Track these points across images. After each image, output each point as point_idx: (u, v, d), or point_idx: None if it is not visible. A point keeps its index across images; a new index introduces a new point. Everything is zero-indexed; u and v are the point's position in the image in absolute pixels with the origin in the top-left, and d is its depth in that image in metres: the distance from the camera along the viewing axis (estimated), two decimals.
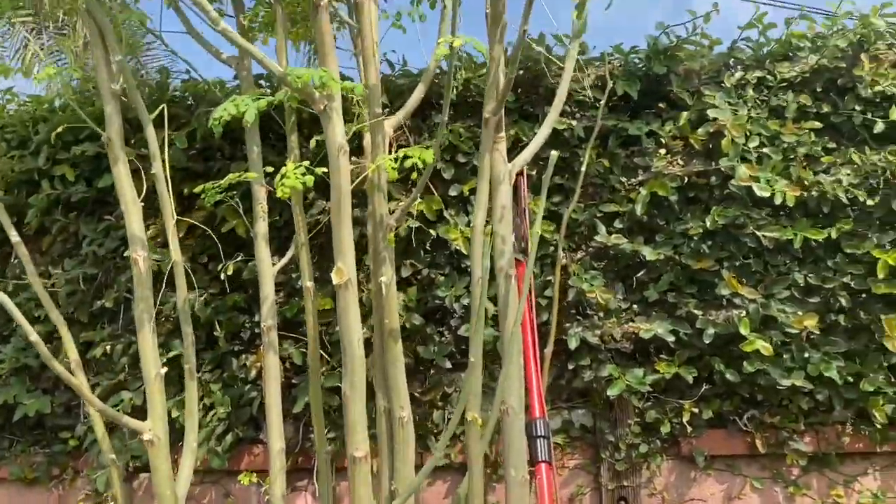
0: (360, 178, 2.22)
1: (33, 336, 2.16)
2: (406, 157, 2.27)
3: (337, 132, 2.06)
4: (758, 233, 3.01)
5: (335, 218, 2.07)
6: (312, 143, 2.57)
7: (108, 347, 3.26)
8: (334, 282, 2.06)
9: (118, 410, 2.77)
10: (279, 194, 2.00)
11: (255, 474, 3.05)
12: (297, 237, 2.62)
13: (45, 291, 2.60)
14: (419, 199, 3.17)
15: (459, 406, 2.00)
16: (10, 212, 3.43)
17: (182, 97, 3.49)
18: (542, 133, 2.75)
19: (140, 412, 2.80)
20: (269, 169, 2.70)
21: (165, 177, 2.53)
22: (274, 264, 2.79)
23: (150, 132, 2.36)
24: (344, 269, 2.05)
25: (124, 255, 3.23)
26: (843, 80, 3.15)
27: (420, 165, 2.24)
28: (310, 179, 2.02)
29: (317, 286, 2.84)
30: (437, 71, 3.09)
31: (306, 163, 2.05)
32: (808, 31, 3.31)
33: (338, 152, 2.05)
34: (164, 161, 2.47)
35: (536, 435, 2.66)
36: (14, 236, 2.55)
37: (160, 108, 2.43)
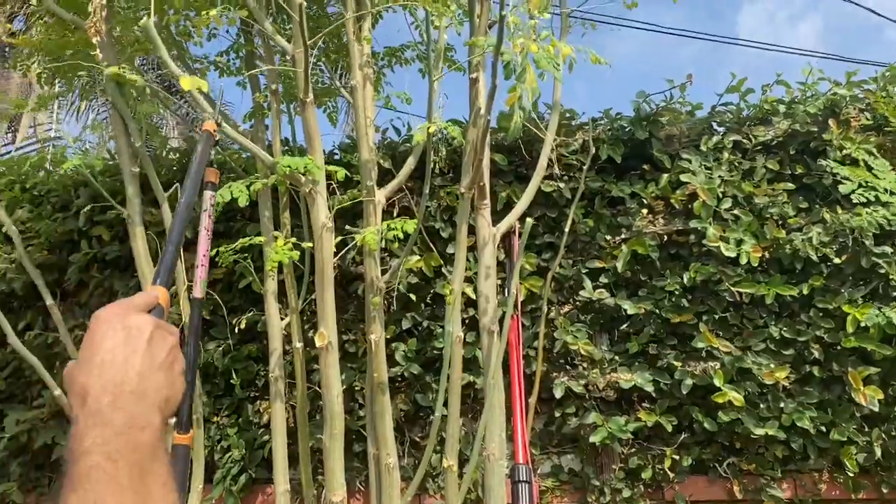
0: (343, 250, 2.50)
1: (56, 391, 2.47)
2: (390, 228, 2.54)
3: (321, 213, 2.35)
4: (733, 288, 3.20)
5: (319, 287, 2.34)
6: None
7: None
8: (317, 345, 2.33)
9: None
10: (268, 267, 2.29)
11: None
12: (290, 303, 2.89)
13: (74, 347, 2.91)
14: (419, 257, 3.44)
15: (426, 455, 2.23)
16: (53, 269, 3.83)
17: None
18: (524, 200, 3.00)
19: None
20: (277, 234, 3.01)
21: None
22: (284, 318, 3.08)
23: (165, 209, 2.68)
24: (325, 334, 2.32)
25: None
26: (815, 143, 3.33)
27: (401, 236, 2.51)
28: (295, 254, 2.31)
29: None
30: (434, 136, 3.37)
31: (293, 239, 2.33)
32: (786, 95, 3.51)
33: (321, 230, 2.33)
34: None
35: (519, 480, 2.86)
36: (48, 299, 2.88)
37: (173, 187, 2.74)
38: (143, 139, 2.66)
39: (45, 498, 3.69)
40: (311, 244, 2.34)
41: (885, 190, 3.15)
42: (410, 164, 2.89)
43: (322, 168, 2.41)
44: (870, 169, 3.19)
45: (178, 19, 2.60)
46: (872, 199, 3.14)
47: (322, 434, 2.46)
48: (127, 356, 0.70)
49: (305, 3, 2.20)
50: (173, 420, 0.81)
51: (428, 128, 2.44)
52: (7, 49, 14.65)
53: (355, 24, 2.86)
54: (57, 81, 3.39)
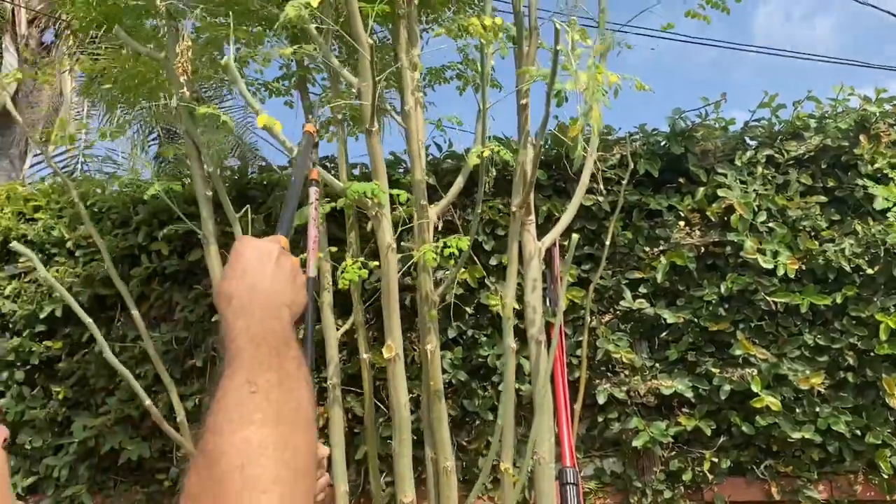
0: (405, 266, 2.67)
1: (147, 401, 2.66)
2: (446, 245, 2.71)
3: (386, 234, 2.52)
4: (768, 298, 3.33)
5: (385, 302, 2.52)
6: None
7: (197, 400, 3.77)
8: (385, 356, 2.50)
9: None
10: (340, 286, 2.46)
11: None
12: (356, 316, 3.07)
13: (156, 355, 3.10)
14: (463, 269, 3.60)
15: (488, 460, 2.40)
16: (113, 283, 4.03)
17: (259, 181, 4.03)
18: (567, 215, 3.16)
19: None
20: (333, 249, 3.20)
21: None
22: (339, 328, 3.26)
23: (238, 229, 2.87)
24: (392, 346, 2.49)
25: (212, 319, 3.76)
26: (846, 157, 3.46)
27: (456, 253, 2.67)
28: (364, 273, 2.48)
29: (374, 345, 3.29)
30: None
31: (361, 259, 2.51)
32: (816, 110, 3.64)
33: (387, 250, 2.51)
34: None
35: (566, 482, 3.02)
36: (134, 310, 3.07)
37: (244, 209, 2.92)
38: (215, 165, 2.85)
39: (111, 500, 3.90)
40: (377, 263, 2.52)
41: None
42: (459, 183, 3.04)
43: (387, 192, 2.59)
44: None
45: (248, 55, 2.79)
46: None
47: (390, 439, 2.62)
48: (261, 268, 0.90)
49: (370, 41, 2.38)
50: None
51: (482, 152, 2.61)
52: (37, 61, 15.04)
53: (408, 53, 3.03)
54: (119, 107, 3.59)
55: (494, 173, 3.52)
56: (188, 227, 3.39)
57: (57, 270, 4.06)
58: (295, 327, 0.89)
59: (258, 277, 0.88)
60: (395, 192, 2.61)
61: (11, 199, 4.37)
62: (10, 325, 4.09)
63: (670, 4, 3.99)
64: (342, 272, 2.50)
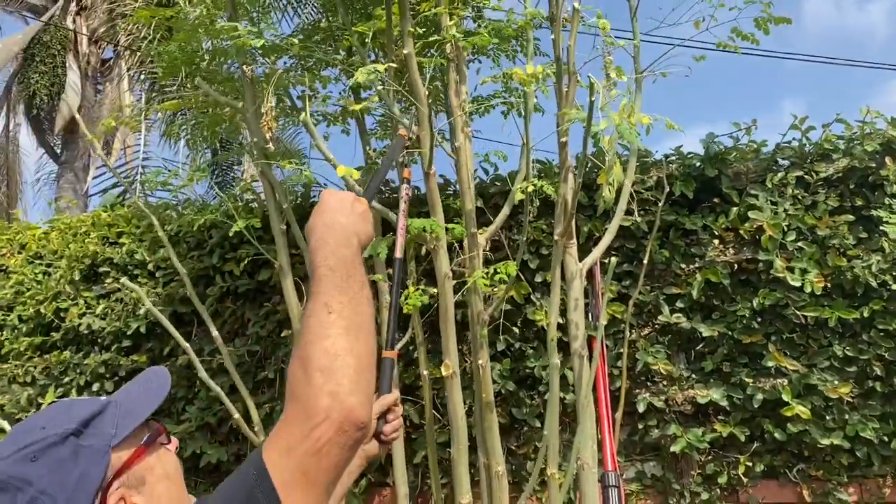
0: (460, 291, 2.97)
1: (236, 415, 3.02)
2: (496, 272, 3.00)
3: (443, 264, 2.83)
4: (798, 312, 3.55)
5: (443, 325, 2.83)
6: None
7: (268, 408, 4.14)
8: (443, 374, 2.81)
9: None
10: (406, 310, 2.78)
11: None
12: (416, 336, 3.38)
13: (233, 367, 3.46)
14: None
15: (537, 466, 2.69)
16: (191, 301, 4.42)
17: None
18: (606, 239, 3.42)
19: None
20: (390, 271, 3.52)
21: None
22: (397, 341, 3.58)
23: (308, 257, 3.20)
24: (450, 364, 2.80)
25: (281, 334, 4.12)
26: (873, 177, 3.65)
27: (505, 278, 2.97)
28: (425, 298, 2.79)
29: (430, 358, 3.60)
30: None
31: (422, 287, 2.82)
32: (845, 131, 3.83)
33: (444, 279, 2.81)
34: None
35: (608, 485, 3.29)
36: (213, 329, 3.43)
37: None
38: (287, 200, 3.19)
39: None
40: (435, 290, 2.83)
41: None
42: (505, 211, 3.32)
43: (443, 228, 2.89)
44: None
45: (311, 101, 3.12)
46: None
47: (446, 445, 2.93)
48: (338, 206, 1.19)
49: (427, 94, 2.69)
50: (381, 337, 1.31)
51: (526, 187, 2.90)
52: (100, 75, 15.75)
53: (457, 93, 3.33)
54: (202, 144, 3.97)
55: (538, 203, 3.80)
56: (263, 254, 3.74)
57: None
58: (364, 262, 1.20)
59: (334, 215, 1.17)
60: (451, 226, 2.91)
61: (96, 224, 4.80)
62: (100, 341, 4.52)
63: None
64: (406, 299, 2.81)
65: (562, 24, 3.09)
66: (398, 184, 1.77)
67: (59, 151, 15.54)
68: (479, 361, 3.13)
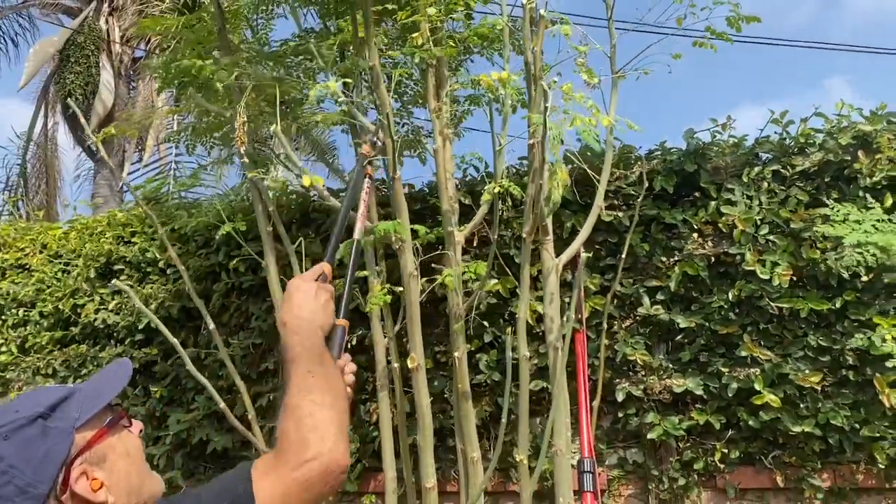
0: (426, 291, 3.14)
1: (221, 404, 3.24)
2: (466, 271, 3.16)
3: (409, 263, 3.00)
4: (772, 303, 3.64)
5: (409, 322, 3.00)
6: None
7: (270, 397, 4.36)
8: (409, 367, 2.99)
9: None
10: (367, 309, 2.95)
11: (374, 496, 4.02)
12: (387, 331, 3.55)
13: (230, 361, 3.68)
14: (496, 280, 4.04)
15: (496, 452, 2.85)
16: (199, 297, 4.65)
17: (319, 206, 4.57)
18: (582, 234, 3.53)
19: None
20: (379, 268, 3.70)
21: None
22: (385, 335, 3.76)
23: (294, 261, 3.40)
24: (415, 357, 2.97)
25: None
26: (848, 170, 3.71)
27: (474, 276, 3.12)
28: (389, 298, 2.97)
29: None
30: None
31: (388, 286, 2.99)
32: (825, 124, 3.88)
33: (409, 278, 2.98)
34: (302, 270, 3.51)
35: (584, 470, 3.43)
36: (210, 324, 3.65)
37: (298, 241, 3.45)
38: (273, 204, 3.39)
39: (201, 484, 4.55)
40: (401, 288, 3.00)
41: None
42: (483, 210, 3.47)
43: (408, 229, 3.06)
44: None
45: (300, 122, 3.31)
46: None
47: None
48: (305, 303, 1.38)
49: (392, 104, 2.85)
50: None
51: (494, 188, 3.05)
52: (133, 73, 16.19)
53: (436, 96, 3.48)
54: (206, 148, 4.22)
55: (510, 203, 3.94)
56: (259, 247, 3.95)
57: (151, 286, 4.73)
58: (326, 342, 1.40)
59: (303, 311, 1.37)
60: (418, 227, 3.07)
61: (111, 224, 5.07)
62: (114, 335, 4.79)
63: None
64: (371, 298, 2.99)
65: (530, 30, 3.21)
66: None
67: (94, 149, 15.99)
68: (456, 354, 3.29)
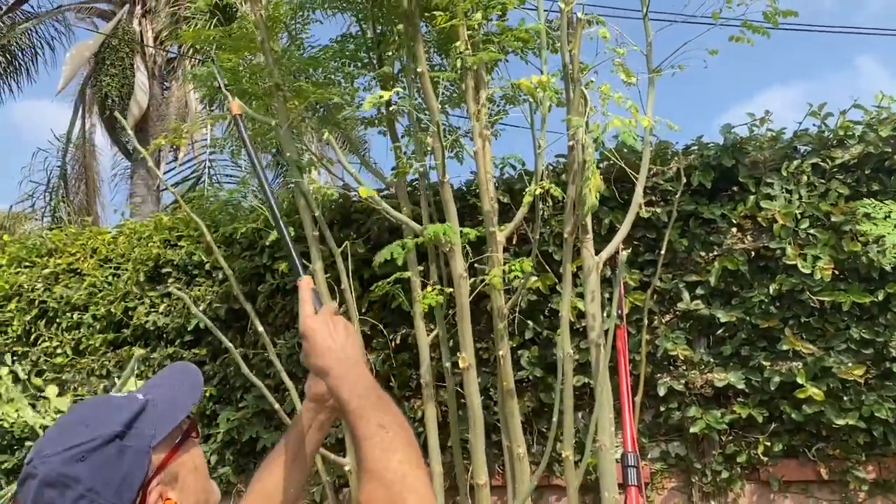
0: (475, 290, 3.21)
1: (276, 404, 3.35)
2: (511, 269, 3.23)
3: (458, 265, 3.07)
4: (814, 297, 3.65)
5: (459, 322, 3.08)
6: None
7: None
8: (460, 366, 3.07)
9: (326, 444, 3.93)
10: (422, 309, 3.03)
11: None
12: (439, 330, 3.63)
13: (278, 360, 3.79)
14: (536, 277, 4.10)
15: (548, 448, 2.92)
16: (245, 298, 4.78)
17: (360, 206, 4.65)
18: (621, 232, 3.58)
19: (340, 444, 3.97)
20: (421, 267, 3.78)
21: (348, 279, 3.68)
22: (429, 333, 3.84)
23: (340, 264, 3.49)
24: (466, 358, 3.05)
25: None
26: (889, 162, 3.70)
27: (520, 274, 3.19)
28: (441, 298, 3.05)
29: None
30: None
31: (438, 287, 3.07)
32: (864, 116, 3.87)
33: (459, 279, 3.06)
34: (347, 273, 3.61)
35: (627, 465, 3.49)
36: (259, 326, 3.77)
37: (344, 244, 3.54)
38: (319, 209, 3.48)
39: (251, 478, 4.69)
40: (451, 289, 3.08)
41: None
42: (522, 212, 3.52)
43: (457, 233, 3.13)
44: None
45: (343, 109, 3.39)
46: None
47: (467, 430, 3.20)
48: (334, 342, 1.30)
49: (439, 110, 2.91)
50: None
51: (535, 189, 3.11)
52: (166, 73, 16.46)
53: (475, 99, 3.54)
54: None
55: (550, 204, 3.99)
56: (304, 249, 4.05)
57: (199, 289, 4.87)
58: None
59: (334, 352, 1.29)
60: (465, 230, 3.14)
61: (158, 228, 5.22)
62: (164, 336, 4.94)
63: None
64: (423, 298, 3.07)
65: (567, 32, 3.26)
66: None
67: (131, 149, 16.29)
68: (500, 352, 3.36)
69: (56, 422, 1.18)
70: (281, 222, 1.57)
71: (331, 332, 1.32)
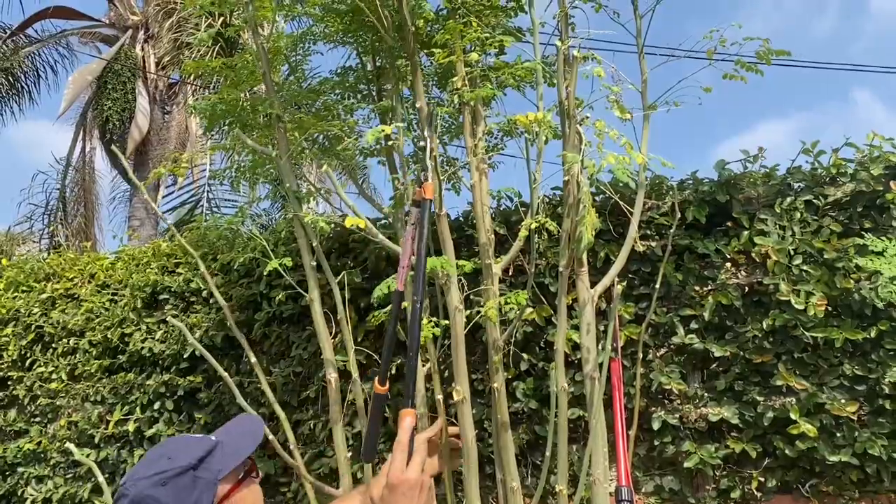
0: (471, 322, 3.24)
1: (270, 435, 3.35)
2: (507, 302, 3.25)
3: (454, 297, 3.10)
4: (807, 333, 3.67)
5: (454, 353, 3.09)
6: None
7: (311, 425, 4.47)
8: (455, 399, 3.08)
9: (320, 473, 3.93)
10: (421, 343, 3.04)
11: None
12: (431, 364, 3.64)
13: (270, 391, 3.80)
14: (532, 309, 4.12)
15: (542, 481, 2.92)
16: (242, 325, 4.79)
17: (358, 236, 4.69)
18: (616, 266, 3.60)
19: (334, 475, 3.96)
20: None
21: (345, 309, 3.69)
22: (424, 364, 3.85)
23: (336, 293, 3.52)
24: (461, 390, 3.06)
25: (320, 356, 4.45)
26: (881, 200, 3.75)
27: (516, 307, 3.21)
28: (437, 331, 3.06)
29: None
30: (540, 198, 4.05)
31: (434, 319, 3.09)
32: (857, 154, 3.92)
33: (454, 311, 3.08)
34: (344, 303, 3.62)
35: (622, 499, 3.48)
36: (252, 357, 3.78)
37: (342, 274, 3.57)
38: (317, 239, 3.51)
39: None
40: (447, 321, 3.10)
41: None
42: (518, 245, 3.55)
43: (454, 266, 3.16)
44: None
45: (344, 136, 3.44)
46: None
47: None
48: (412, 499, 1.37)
49: (437, 149, 2.95)
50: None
51: (531, 223, 3.14)
52: (168, 98, 16.59)
53: (472, 134, 3.59)
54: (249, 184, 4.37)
55: (546, 236, 4.02)
56: (300, 277, 4.08)
57: (196, 315, 4.88)
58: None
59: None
60: (461, 263, 3.17)
61: (156, 255, 5.24)
62: (160, 363, 4.95)
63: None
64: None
65: (563, 69, 3.31)
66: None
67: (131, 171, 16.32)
68: (495, 385, 3.37)
69: (146, 454, 1.42)
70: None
71: (409, 491, 1.37)
